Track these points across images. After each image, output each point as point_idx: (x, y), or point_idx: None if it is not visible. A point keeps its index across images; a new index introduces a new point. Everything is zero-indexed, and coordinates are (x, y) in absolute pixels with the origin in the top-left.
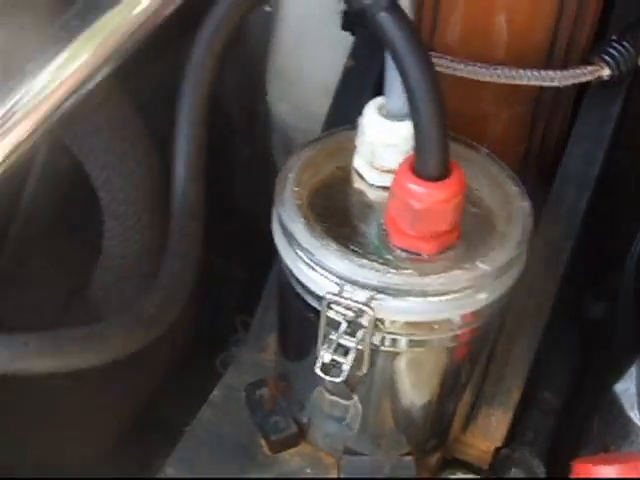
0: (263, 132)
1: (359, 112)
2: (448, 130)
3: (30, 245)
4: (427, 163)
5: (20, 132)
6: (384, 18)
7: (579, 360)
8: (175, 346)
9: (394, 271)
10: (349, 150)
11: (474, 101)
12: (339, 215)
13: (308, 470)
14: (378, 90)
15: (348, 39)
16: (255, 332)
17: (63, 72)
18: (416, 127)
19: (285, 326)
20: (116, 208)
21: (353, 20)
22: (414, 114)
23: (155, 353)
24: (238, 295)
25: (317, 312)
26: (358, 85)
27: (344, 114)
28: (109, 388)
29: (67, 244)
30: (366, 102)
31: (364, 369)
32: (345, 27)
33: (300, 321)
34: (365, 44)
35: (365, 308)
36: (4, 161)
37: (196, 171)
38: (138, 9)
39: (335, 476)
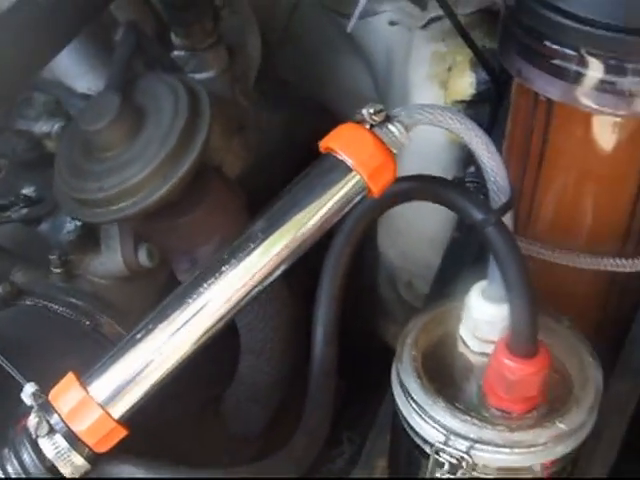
0: (370, 267)
1: (462, 278)
2: (537, 318)
3: None
4: (520, 345)
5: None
6: (491, 232)
7: None
8: None
9: (490, 427)
10: (455, 318)
11: (566, 275)
12: (447, 375)
13: None
14: (478, 257)
15: None
16: (366, 455)
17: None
18: (512, 318)
19: (396, 457)
20: (254, 345)
21: None
22: (512, 308)
23: None
24: (345, 411)
25: (424, 452)
26: (461, 255)
27: (449, 280)
28: None
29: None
30: (467, 270)
31: None
32: None
33: (409, 455)
34: None
35: (465, 456)
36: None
37: (332, 337)
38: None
39: None
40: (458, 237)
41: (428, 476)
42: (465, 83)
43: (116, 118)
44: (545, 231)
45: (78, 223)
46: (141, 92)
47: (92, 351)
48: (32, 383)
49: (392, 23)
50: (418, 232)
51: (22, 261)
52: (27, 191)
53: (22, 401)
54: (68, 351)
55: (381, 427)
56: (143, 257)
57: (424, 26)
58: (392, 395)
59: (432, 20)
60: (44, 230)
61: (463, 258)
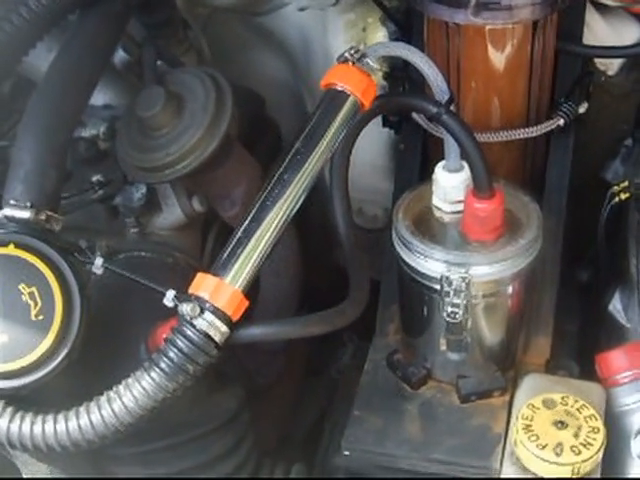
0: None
1: (416, 174)
2: (490, 169)
3: None
4: (482, 190)
5: None
6: (446, 119)
7: (580, 304)
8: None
9: (476, 253)
10: (427, 196)
11: (492, 150)
12: (432, 233)
13: (438, 395)
14: (422, 157)
15: (388, 132)
16: (379, 325)
17: None
18: (473, 172)
19: (407, 309)
20: (275, 266)
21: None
22: (471, 166)
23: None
24: None
25: (432, 288)
26: (410, 158)
27: (408, 177)
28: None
29: None
30: (417, 168)
31: (467, 314)
32: (384, 125)
33: (420, 299)
34: (409, 133)
35: (465, 276)
36: None
37: (350, 222)
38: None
39: None
40: (404, 148)
41: (443, 302)
42: (380, 37)
43: (165, 103)
44: (471, 123)
45: (143, 191)
46: (172, 82)
47: (177, 277)
48: (170, 290)
49: (302, 9)
50: (362, 162)
51: (103, 231)
52: (96, 178)
53: (144, 322)
54: (162, 279)
55: (384, 301)
56: (197, 204)
57: (335, 3)
58: (389, 274)
59: None
60: (117, 203)
61: (412, 160)
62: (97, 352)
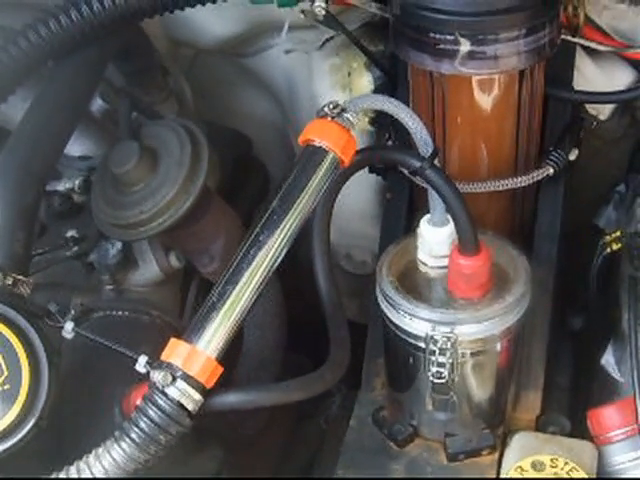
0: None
1: (403, 224)
2: (475, 225)
3: None
4: (467, 246)
5: None
6: (429, 174)
7: (572, 355)
8: None
9: (461, 311)
10: (412, 249)
11: (479, 200)
12: (418, 289)
13: (425, 454)
14: (409, 207)
15: (376, 178)
16: (365, 380)
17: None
18: (457, 228)
19: (393, 367)
20: (258, 319)
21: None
22: (456, 222)
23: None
24: None
25: (417, 346)
26: (397, 208)
27: (394, 227)
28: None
29: None
30: (404, 217)
31: (453, 373)
32: (371, 171)
33: (405, 357)
34: (396, 181)
35: (450, 335)
36: None
37: (331, 279)
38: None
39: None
40: (392, 197)
41: (428, 361)
42: (365, 82)
43: (139, 159)
44: (457, 172)
45: (119, 248)
46: (147, 135)
47: (154, 336)
48: (143, 355)
49: (288, 51)
50: (350, 209)
51: (79, 288)
52: (71, 234)
53: (115, 387)
54: (138, 339)
55: (370, 355)
56: (174, 260)
57: (320, 47)
58: (375, 326)
59: (326, 40)
60: (92, 260)
61: (399, 211)
62: (71, 414)
